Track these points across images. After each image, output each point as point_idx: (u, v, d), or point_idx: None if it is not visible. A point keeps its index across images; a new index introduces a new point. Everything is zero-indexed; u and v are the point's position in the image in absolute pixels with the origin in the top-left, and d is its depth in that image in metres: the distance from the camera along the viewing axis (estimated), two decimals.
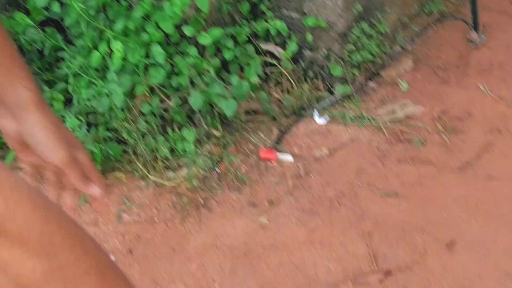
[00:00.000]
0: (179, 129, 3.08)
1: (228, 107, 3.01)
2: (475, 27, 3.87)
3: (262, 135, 3.30)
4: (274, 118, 3.36)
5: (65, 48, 3.15)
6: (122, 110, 3.00)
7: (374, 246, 2.79)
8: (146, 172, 2.98)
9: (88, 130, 2.99)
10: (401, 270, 2.69)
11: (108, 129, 3.04)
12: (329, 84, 3.53)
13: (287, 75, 3.40)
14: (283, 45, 3.47)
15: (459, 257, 2.75)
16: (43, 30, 3.19)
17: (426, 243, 2.80)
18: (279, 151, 3.23)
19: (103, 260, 0.70)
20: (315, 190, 3.05)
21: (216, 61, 3.19)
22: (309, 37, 3.42)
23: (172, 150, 3.09)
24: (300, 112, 3.42)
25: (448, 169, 3.16)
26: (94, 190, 1.14)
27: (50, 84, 3.19)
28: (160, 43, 2.99)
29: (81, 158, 1.11)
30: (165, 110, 3.09)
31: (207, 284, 2.62)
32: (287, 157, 3.20)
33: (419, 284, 2.63)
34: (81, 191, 1.14)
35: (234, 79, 3.16)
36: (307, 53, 3.49)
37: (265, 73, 3.45)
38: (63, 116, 2.95)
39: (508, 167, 3.15)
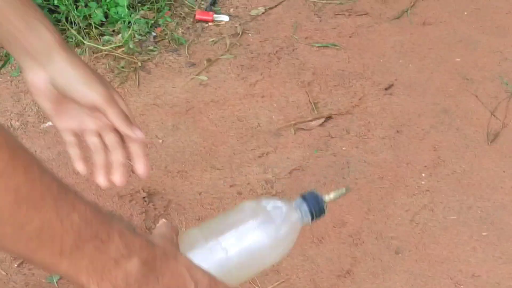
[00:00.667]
0: None
1: None
2: None
3: None
4: None
5: None
6: None
7: (314, 95, 2.81)
8: (80, 38, 2.93)
9: None
10: (342, 114, 2.73)
11: None
12: None
13: None
14: None
15: (398, 99, 2.79)
16: None
17: (365, 88, 2.84)
18: (215, 12, 3.19)
19: (11, 139, 0.67)
20: (253, 47, 3.04)
21: None
22: None
23: (106, 16, 3.02)
24: None
25: (384, 19, 3.17)
26: (137, 132, 1.01)
27: None
28: None
29: (117, 97, 1.01)
30: None
31: (150, 140, 2.62)
32: (224, 18, 3.17)
33: (359, 125, 2.68)
34: (124, 132, 1.01)
35: None
36: None
37: None
38: None
39: (442, 12, 3.18)
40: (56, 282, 2.16)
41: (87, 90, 0.97)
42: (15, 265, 2.21)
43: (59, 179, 0.71)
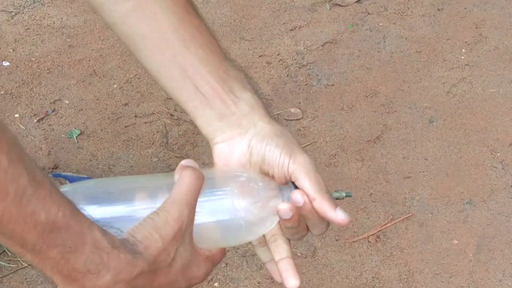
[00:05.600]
0: None
1: None
2: None
3: None
4: None
5: None
6: None
7: None
8: None
9: None
10: None
11: None
12: None
13: None
14: None
15: None
16: None
17: None
18: None
19: None
20: None
21: None
22: None
23: None
24: None
25: None
26: (341, 215, 0.80)
27: None
28: None
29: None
30: None
31: None
32: None
33: (399, 3, 2.55)
34: (326, 216, 0.81)
35: None
36: None
37: None
38: None
39: None
40: (76, 137, 2.11)
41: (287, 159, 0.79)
42: (35, 120, 2.16)
43: (34, 174, 0.62)
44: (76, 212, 0.64)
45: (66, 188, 0.74)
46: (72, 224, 0.63)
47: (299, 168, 0.79)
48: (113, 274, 0.66)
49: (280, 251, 0.84)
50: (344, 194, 0.84)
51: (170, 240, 0.69)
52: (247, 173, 0.82)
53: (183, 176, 0.72)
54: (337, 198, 0.84)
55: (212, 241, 0.79)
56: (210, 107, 0.82)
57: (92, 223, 0.65)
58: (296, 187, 0.80)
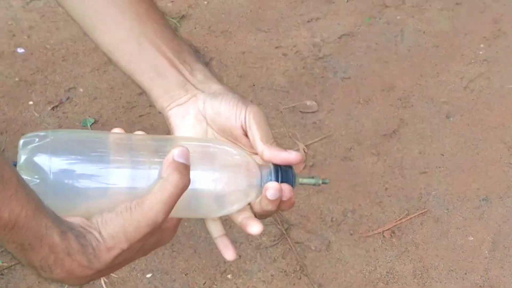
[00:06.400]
0: None
1: None
2: None
3: None
4: None
5: None
6: None
7: None
8: None
9: None
10: None
11: None
12: None
13: None
14: None
15: None
16: None
17: None
18: None
19: None
20: None
21: None
22: None
23: None
24: None
25: None
26: (295, 153, 0.84)
27: None
28: None
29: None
30: None
31: (195, 1, 2.51)
32: None
33: None
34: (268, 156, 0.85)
35: None
36: None
37: None
38: None
39: None
40: (90, 126, 2.10)
41: (238, 111, 0.83)
42: (49, 108, 2.15)
43: (2, 173, 0.63)
44: (38, 213, 0.66)
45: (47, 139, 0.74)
46: (33, 225, 0.65)
47: (253, 119, 0.82)
48: (66, 274, 0.68)
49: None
50: (320, 181, 0.85)
51: (136, 242, 0.70)
52: (228, 145, 0.83)
53: (171, 180, 0.70)
54: (313, 185, 0.85)
55: (186, 212, 0.79)
56: (166, 77, 0.86)
57: (52, 225, 0.67)
58: (276, 171, 0.81)
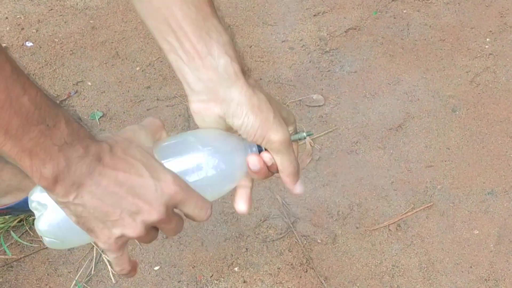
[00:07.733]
0: None
1: None
2: None
3: None
4: None
5: None
6: None
7: None
8: None
9: None
10: None
11: None
12: None
13: None
14: None
15: None
16: None
17: None
18: None
19: None
20: None
21: None
22: None
23: None
24: None
25: None
26: (299, 188, 0.91)
27: None
28: None
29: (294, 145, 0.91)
30: None
31: None
32: None
33: None
34: (286, 184, 0.90)
35: None
36: None
37: None
38: None
39: None
40: (98, 119, 2.11)
41: (270, 132, 0.85)
42: (58, 102, 2.16)
43: (13, 62, 0.70)
44: (47, 93, 0.74)
45: None
46: (49, 104, 0.72)
47: (272, 149, 0.86)
48: (82, 145, 0.75)
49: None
50: (304, 135, 0.92)
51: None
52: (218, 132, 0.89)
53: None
54: (299, 139, 0.91)
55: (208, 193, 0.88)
56: (189, 65, 0.85)
57: (58, 102, 0.78)
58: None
